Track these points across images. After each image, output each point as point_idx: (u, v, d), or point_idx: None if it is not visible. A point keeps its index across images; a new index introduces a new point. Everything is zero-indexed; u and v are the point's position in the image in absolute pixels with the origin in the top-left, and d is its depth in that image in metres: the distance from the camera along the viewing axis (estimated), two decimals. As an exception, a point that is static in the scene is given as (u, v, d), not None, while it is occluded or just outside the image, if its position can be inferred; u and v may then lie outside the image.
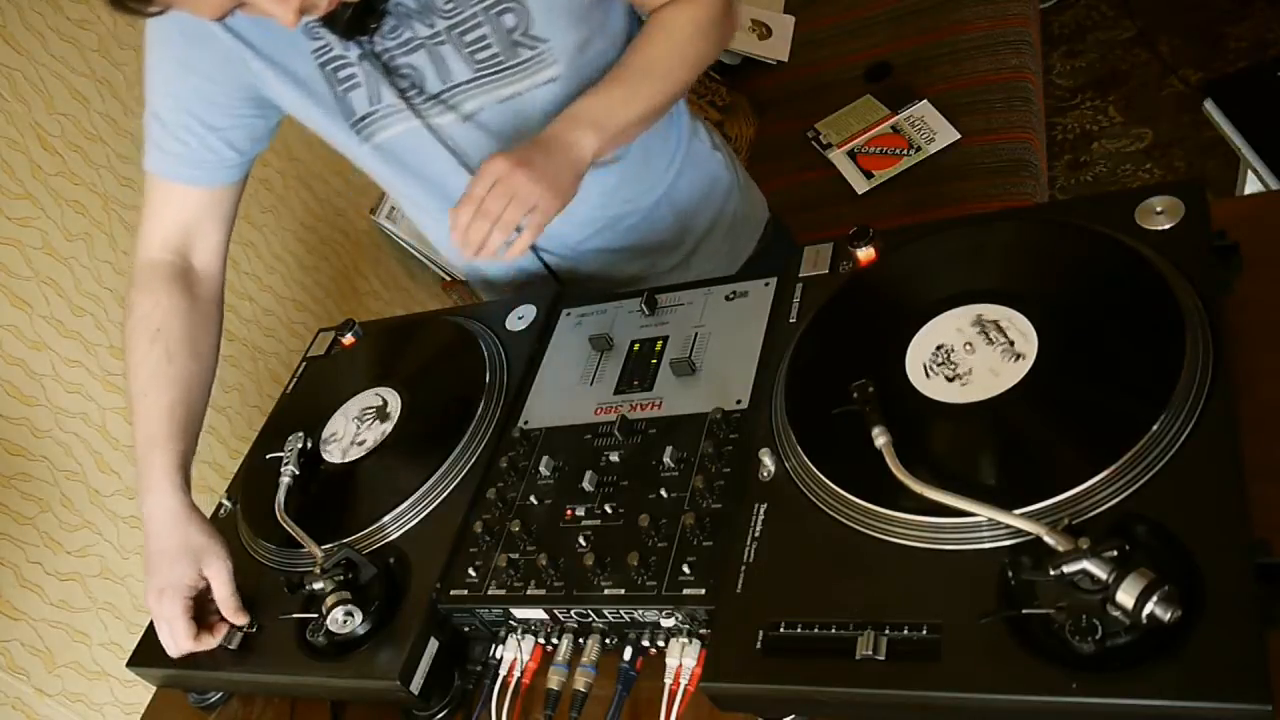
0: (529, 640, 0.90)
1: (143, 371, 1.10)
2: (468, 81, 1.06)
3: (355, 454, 1.11)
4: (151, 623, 1.07)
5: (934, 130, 2.22)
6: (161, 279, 1.14)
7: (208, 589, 1.01)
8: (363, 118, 1.10)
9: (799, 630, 0.72)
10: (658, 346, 1.04)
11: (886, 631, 0.69)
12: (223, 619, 1.00)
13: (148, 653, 1.05)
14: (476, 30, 1.03)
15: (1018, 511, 0.68)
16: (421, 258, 2.38)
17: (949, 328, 0.85)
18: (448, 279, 2.44)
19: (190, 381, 1.11)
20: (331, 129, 1.13)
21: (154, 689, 1.14)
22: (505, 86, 1.07)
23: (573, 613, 0.86)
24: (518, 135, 1.09)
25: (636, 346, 1.06)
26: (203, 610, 1.01)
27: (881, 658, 0.68)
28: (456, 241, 0.97)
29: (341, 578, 0.92)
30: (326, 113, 1.10)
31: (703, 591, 0.80)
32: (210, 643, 0.99)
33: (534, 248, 1.25)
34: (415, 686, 0.88)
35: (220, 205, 1.17)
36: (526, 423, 1.04)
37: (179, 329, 1.12)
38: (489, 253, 0.97)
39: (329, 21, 0.99)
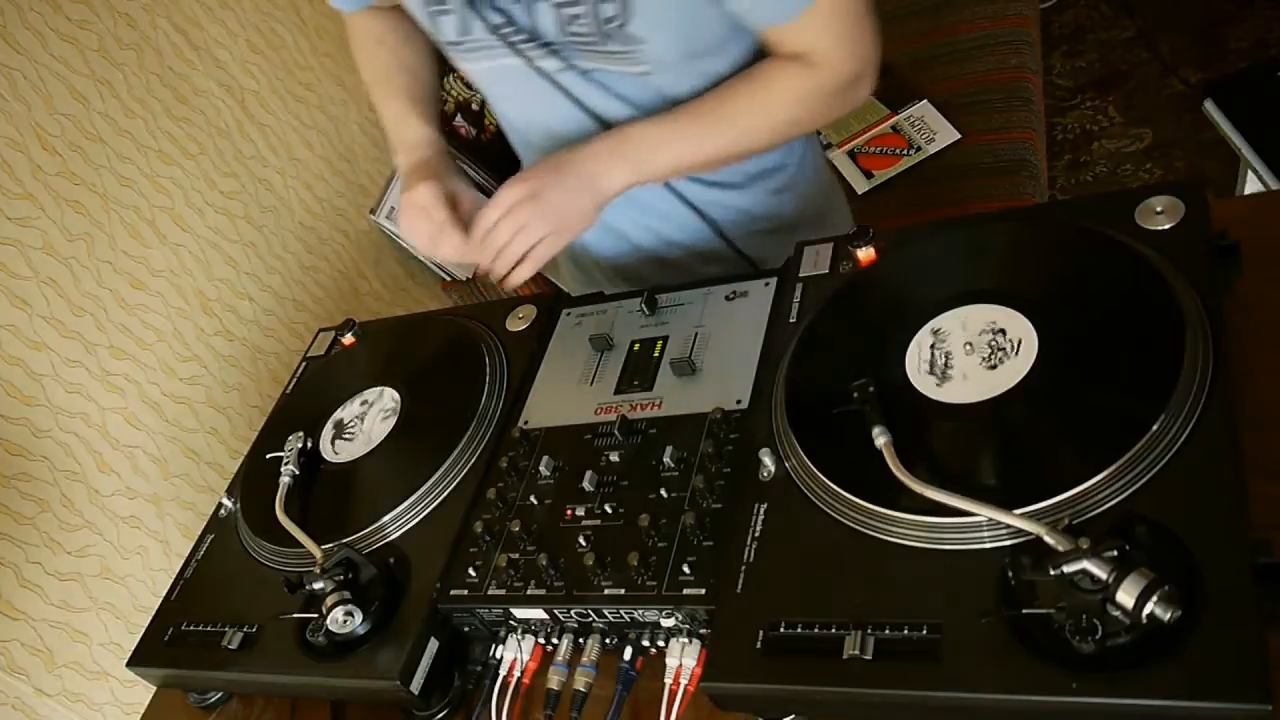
0: (529, 640, 0.90)
1: (377, 69, 1.20)
2: (560, 43, 1.01)
3: (355, 454, 1.11)
4: (152, 621, 1.07)
5: (934, 130, 2.22)
6: (372, 17, 1.21)
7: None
8: (451, 43, 1.06)
9: (799, 630, 0.72)
10: (658, 346, 1.04)
11: (886, 631, 0.70)
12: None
13: (148, 653, 1.05)
14: (576, 6, 0.96)
15: (1018, 511, 0.68)
16: (421, 258, 2.38)
17: (949, 328, 0.85)
18: (448, 279, 2.44)
19: (419, 69, 1.19)
20: (430, 35, 1.11)
21: (154, 689, 1.14)
22: (590, 62, 1.02)
23: (573, 613, 0.86)
24: (596, 104, 1.07)
25: (636, 346, 1.06)
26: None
27: (868, 658, 0.68)
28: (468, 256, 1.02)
29: (341, 578, 0.92)
30: (424, 21, 1.07)
31: (703, 591, 0.80)
32: (465, 254, 1.02)
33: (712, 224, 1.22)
34: (415, 686, 0.88)
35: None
36: (526, 423, 1.04)
37: (397, 36, 1.19)
38: (493, 278, 1.00)
39: None
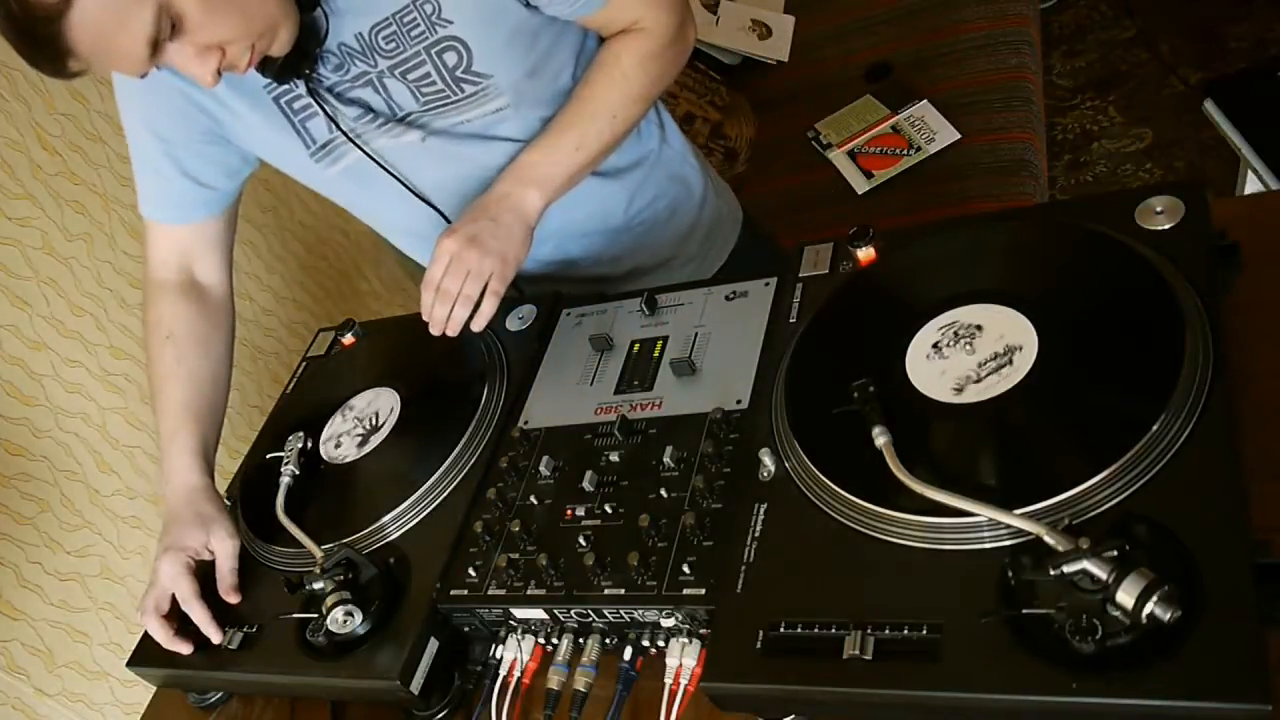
0: (529, 640, 0.90)
1: (157, 371, 1.19)
2: (419, 111, 1.08)
3: (355, 454, 1.11)
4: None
5: (934, 130, 2.21)
6: (168, 291, 1.21)
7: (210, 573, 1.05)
8: (323, 146, 1.11)
9: (799, 630, 0.72)
10: (658, 346, 1.04)
11: (886, 631, 0.70)
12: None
13: (148, 653, 1.05)
14: (420, 69, 1.03)
15: (1018, 511, 0.68)
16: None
17: (949, 328, 0.85)
18: (448, 279, 2.44)
19: (202, 377, 1.19)
20: (294, 159, 1.14)
21: (154, 689, 1.14)
22: (455, 115, 1.09)
23: (573, 613, 0.86)
24: (474, 146, 1.12)
25: (636, 346, 1.06)
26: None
27: (869, 658, 0.68)
28: (426, 320, 1.04)
29: (341, 578, 0.92)
30: (288, 143, 1.11)
31: (703, 591, 0.80)
32: (208, 628, 1.00)
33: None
34: (415, 686, 0.88)
35: (208, 235, 1.22)
36: (526, 423, 1.04)
37: (186, 331, 1.20)
38: (455, 327, 1.04)
39: (260, 67, 0.99)
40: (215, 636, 1.00)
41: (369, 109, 1.08)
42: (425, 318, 1.05)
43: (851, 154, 2.28)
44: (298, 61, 1.00)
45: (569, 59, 1.11)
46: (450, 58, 1.03)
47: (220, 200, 1.20)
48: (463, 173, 1.14)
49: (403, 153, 1.12)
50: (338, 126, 1.07)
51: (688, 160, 1.31)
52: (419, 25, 1.00)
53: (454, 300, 1.03)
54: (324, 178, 1.15)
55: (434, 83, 1.04)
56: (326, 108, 1.06)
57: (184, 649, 1.01)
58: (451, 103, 1.07)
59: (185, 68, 0.90)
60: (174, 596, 1.03)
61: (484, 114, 1.09)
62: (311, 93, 1.05)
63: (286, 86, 1.06)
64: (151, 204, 1.20)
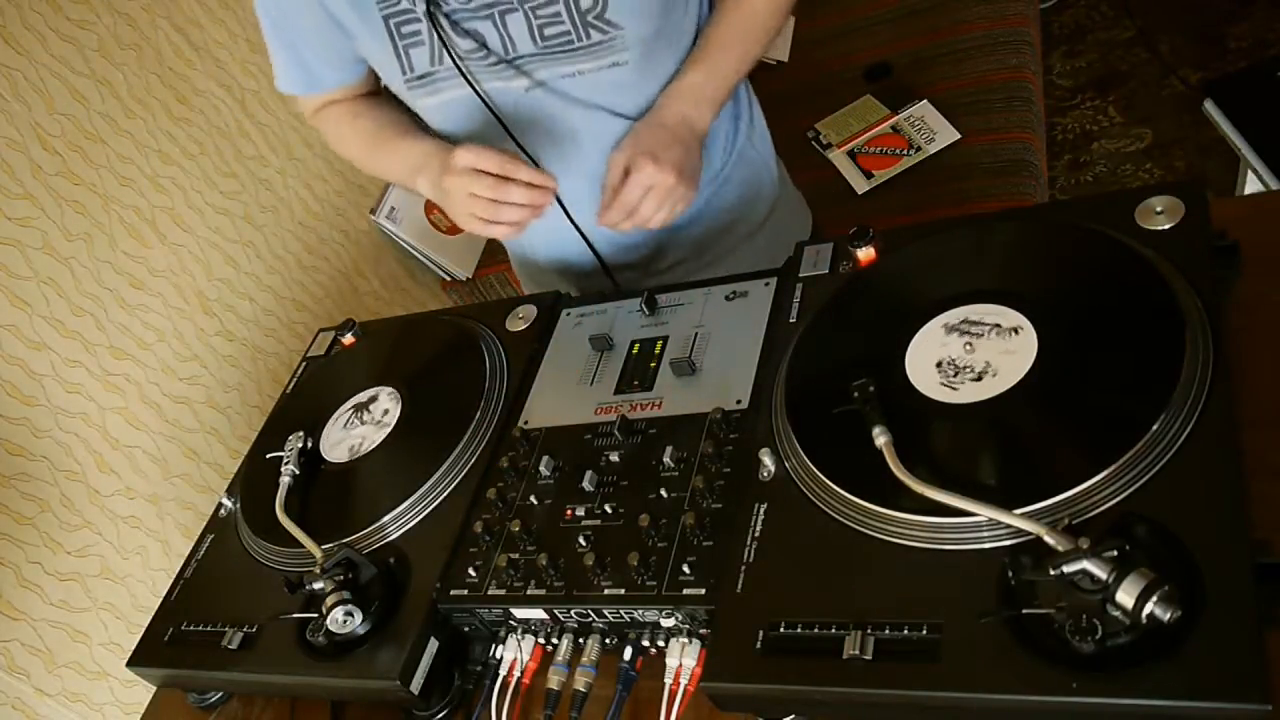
0: (529, 640, 0.90)
1: (359, 130, 1.23)
2: (532, 55, 1.05)
3: (355, 454, 1.11)
4: (152, 621, 1.07)
5: (934, 130, 2.22)
6: (339, 102, 1.26)
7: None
8: (421, 76, 1.10)
9: (799, 630, 0.72)
10: (658, 346, 1.04)
11: (886, 631, 0.70)
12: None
13: (148, 653, 1.05)
14: (551, 6, 1.01)
15: (1018, 511, 0.68)
16: (421, 258, 2.38)
17: (949, 328, 0.85)
18: (448, 279, 2.44)
19: (399, 114, 1.22)
20: (393, 80, 1.14)
21: (154, 689, 1.14)
22: (570, 64, 1.06)
23: (573, 613, 0.86)
24: (575, 111, 1.11)
25: (636, 346, 1.06)
26: None
27: (869, 658, 0.68)
28: (601, 223, 1.05)
29: (341, 578, 0.92)
30: (388, 62, 1.11)
31: (703, 591, 0.80)
32: (535, 176, 1.01)
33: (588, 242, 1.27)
34: (415, 686, 0.88)
35: (347, 95, 1.25)
36: (526, 423, 1.04)
37: (368, 102, 1.25)
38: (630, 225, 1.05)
39: None
40: (548, 182, 1.02)
41: (483, 44, 1.05)
42: (600, 220, 1.05)
43: (851, 154, 2.28)
44: None
45: (684, 33, 1.12)
46: (585, 0, 1.01)
47: (348, 77, 1.22)
48: (558, 134, 1.13)
49: (504, 99, 1.10)
50: (452, 58, 1.06)
51: (768, 166, 1.30)
52: None
53: (645, 222, 1.04)
54: (420, 105, 1.15)
55: (561, 23, 1.02)
56: (440, 34, 1.04)
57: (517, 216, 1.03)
58: (572, 49, 1.04)
59: None
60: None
61: (600, 67, 1.07)
62: (431, 15, 1.03)
63: (400, 7, 1.04)
64: (280, 79, 1.23)
